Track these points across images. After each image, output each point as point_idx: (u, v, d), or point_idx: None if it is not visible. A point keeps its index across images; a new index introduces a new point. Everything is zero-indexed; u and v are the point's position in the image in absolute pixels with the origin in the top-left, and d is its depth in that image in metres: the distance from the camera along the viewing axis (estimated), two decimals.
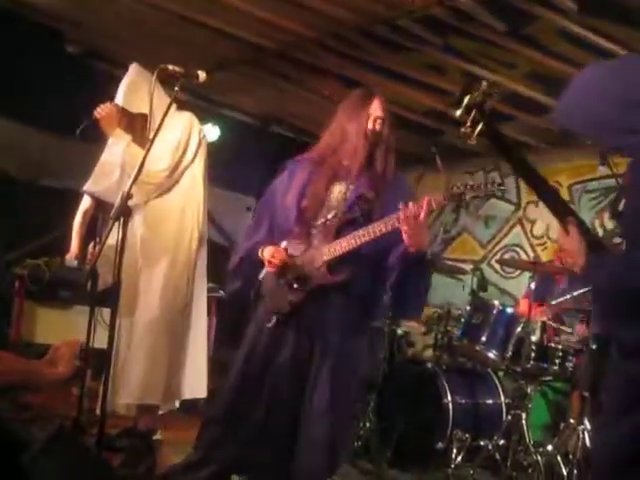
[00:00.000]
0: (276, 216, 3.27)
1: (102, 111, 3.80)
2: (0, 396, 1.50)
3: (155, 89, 3.61)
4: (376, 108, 3.15)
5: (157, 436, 4.03)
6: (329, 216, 3.10)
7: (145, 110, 3.74)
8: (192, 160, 3.87)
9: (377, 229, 2.90)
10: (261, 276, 3.26)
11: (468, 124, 2.07)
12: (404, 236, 2.82)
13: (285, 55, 5.54)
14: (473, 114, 2.06)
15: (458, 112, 2.08)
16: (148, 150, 3.13)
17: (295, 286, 3.09)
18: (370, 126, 3.12)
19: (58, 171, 6.12)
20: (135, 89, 3.80)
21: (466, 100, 2.06)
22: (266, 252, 3.16)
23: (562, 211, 2.09)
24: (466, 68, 5.21)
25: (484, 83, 2.08)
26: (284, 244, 3.16)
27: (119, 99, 3.81)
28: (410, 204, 2.79)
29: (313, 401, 3.02)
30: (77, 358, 1.66)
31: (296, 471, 3.02)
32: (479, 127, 2.06)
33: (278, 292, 3.15)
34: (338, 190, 3.15)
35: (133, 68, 3.87)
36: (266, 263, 3.17)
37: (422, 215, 2.77)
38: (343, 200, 3.12)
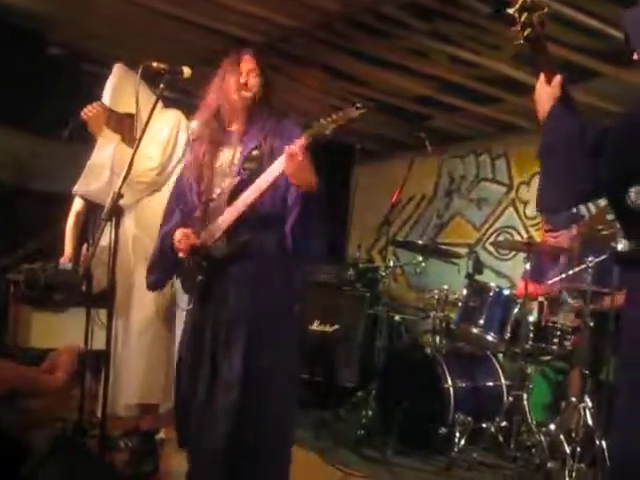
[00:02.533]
0: (186, 198, 3.14)
1: (89, 112, 3.78)
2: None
3: (140, 87, 3.60)
4: (247, 61, 3.05)
5: (160, 435, 4.04)
6: (223, 185, 2.98)
7: (132, 110, 3.72)
8: (182, 157, 3.86)
9: (262, 183, 2.81)
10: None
11: (519, 24, 2.21)
12: (289, 178, 2.76)
13: (270, 46, 5.51)
14: (525, 16, 2.19)
15: (512, 10, 2.22)
16: (136, 149, 3.12)
17: (203, 264, 2.99)
18: (243, 80, 3.02)
19: (47, 174, 6.07)
20: (121, 89, 3.79)
21: (520, 2, 2.20)
22: (175, 237, 3.03)
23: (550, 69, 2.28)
24: (451, 52, 5.20)
25: None
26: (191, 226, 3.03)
27: (106, 100, 3.80)
28: (286, 148, 2.72)
29: (228, 368, 2.88)
30: (76, 363, 1.64)
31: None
32: (527, 31, 2.20)
33: (190, 274, 3.06)
34: (226, 156, 3.04)
35: (118, 68, 3.85)
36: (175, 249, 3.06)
37: (299, 153, 2.68)
38: (233, 165, 3.00)
